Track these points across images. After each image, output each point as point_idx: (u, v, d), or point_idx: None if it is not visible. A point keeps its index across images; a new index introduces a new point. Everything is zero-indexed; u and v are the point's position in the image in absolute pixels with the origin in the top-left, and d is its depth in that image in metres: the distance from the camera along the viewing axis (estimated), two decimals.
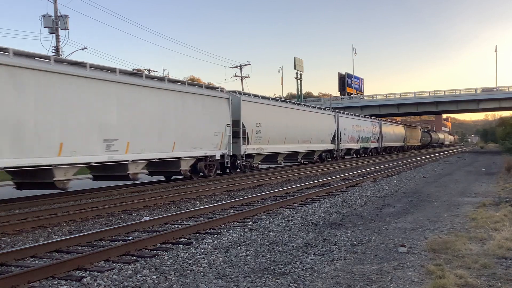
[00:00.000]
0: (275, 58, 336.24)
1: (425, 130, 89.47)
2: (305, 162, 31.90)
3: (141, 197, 13.42)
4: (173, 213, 10.31)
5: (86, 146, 13.61)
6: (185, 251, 6.72)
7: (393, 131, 55.21)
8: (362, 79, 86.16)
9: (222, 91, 20.96)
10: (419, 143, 73.52)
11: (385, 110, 66.04)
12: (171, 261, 6.19)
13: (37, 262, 6.48)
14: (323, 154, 33.74)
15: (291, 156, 28.60)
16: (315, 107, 33.83)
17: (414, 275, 5.47)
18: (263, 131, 23.60)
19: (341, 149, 36.73)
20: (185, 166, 18.21)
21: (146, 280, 5.34)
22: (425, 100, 64.28)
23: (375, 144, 47.01)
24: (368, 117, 48.52)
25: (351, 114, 41.29)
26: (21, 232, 8.85)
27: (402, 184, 16.74)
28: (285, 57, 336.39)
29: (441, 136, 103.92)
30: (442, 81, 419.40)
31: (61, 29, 29.84)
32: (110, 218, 10.52)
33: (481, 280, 5.17)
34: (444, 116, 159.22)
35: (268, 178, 19.44)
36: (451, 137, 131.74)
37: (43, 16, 29.35)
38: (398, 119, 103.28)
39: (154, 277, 5.47)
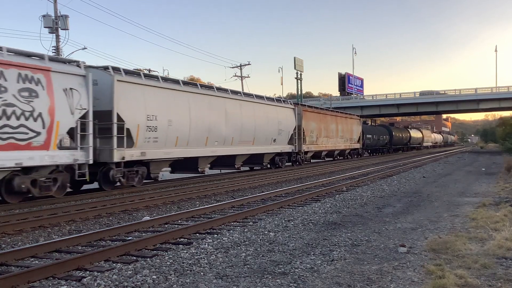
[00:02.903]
0: (275, 58, 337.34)
1: (377, 123, 60.18)
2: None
3: (141, 197, 13.42)
4: (173, 213, 10.31)
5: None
6: (185, 251, 6.72)
7: (251, 121, 22.42)
8: (362, 79, 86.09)
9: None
10: (357, 145, 40.72)
11: (385, 110, 65.93)
12: (171, 261, 6.19)
13: (37, 262, 6.48)
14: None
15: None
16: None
17: (414, 275, 5.47)
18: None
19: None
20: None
21: (146, 280, 5.34)
22: (425, 100, 64.17)
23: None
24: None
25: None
26: (21, 232, 8.84)
27: (402, 184, 16.74)
28: (285, 57, 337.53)
29: (415, 134, 66.53)
30: (442, 81, 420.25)
31: (61, 29, 29.72)
32: (110, 218, 10.52)
33: (481, 280, 5.17)
34: (444, 116, 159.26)
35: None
36: (436, 137, 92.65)
37: (43, 16, 29.23)
38: (398, 119, 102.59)
39: (154, 277, 5.47)
